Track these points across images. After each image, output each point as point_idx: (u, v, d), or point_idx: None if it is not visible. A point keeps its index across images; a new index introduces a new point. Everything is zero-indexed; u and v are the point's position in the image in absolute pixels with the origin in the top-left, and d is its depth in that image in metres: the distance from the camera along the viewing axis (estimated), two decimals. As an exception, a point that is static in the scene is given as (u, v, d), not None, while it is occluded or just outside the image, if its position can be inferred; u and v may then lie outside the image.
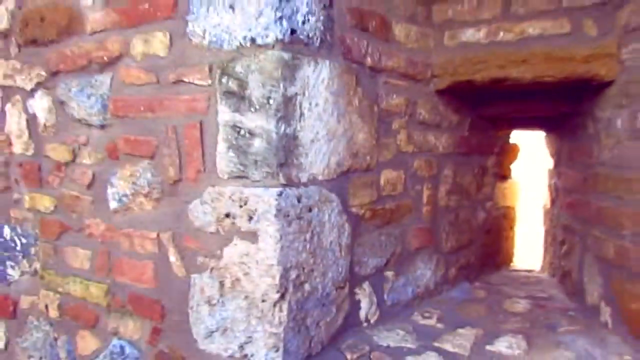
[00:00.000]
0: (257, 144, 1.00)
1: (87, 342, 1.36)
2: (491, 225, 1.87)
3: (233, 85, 1.02)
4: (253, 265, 1.03)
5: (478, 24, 1.41)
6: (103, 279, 1.30)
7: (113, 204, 1.27)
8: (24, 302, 1.50)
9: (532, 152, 2.38)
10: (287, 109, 1.00)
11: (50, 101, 1.37)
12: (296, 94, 1.01)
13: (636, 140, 1.17)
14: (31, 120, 1.43)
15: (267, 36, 0.97)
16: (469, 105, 1.61)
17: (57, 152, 1.37)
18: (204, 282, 1.11)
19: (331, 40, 1.10)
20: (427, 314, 1.41)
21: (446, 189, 1.57)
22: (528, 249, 2.29)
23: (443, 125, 1.55)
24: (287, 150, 1.01)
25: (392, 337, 1.24)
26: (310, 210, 1.07)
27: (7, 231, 1.54)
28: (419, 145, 1.45)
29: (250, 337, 1.05)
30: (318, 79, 1.06)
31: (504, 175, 1.95)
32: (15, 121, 1.46)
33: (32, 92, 1.41)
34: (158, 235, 1.18)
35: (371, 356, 1.14)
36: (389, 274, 1.37)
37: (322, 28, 1.07)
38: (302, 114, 1.03)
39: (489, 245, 1.86)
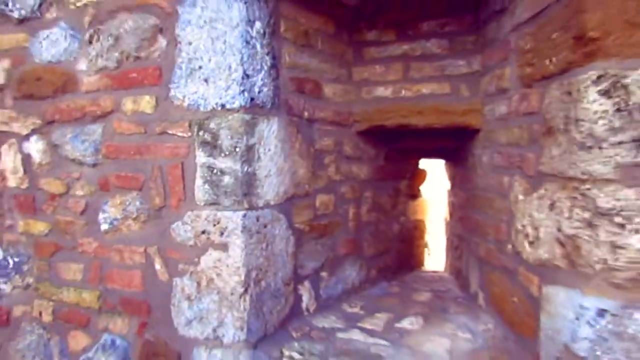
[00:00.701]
0: (227, 179, 1.38)
1: (78, 340, 1.65)
2: (404, 235, 2.34)
3: (208, 137, 1.40)
4: (224, 268, 1.40)
5: (386, 84, 1.88)
6: (95, 287, 1.61)
7: (104, 226, 1.59)
8: (17, 311, 1.76)
9: (438, 176, 2.91)
10: (249, 154, 1.39)
11: (45, 144, 1.67)
12: (255, 143, 1.41)
13: (493, 172, 1.67)
14: (26, 159, 1.71)
15: (234, 103, 1.36)
16: (383, 142, 2.08)
17: (52, 185, 1.66)
18: (184, 283, 1.46)
19: (278, 102, 1.52)
20: (353, 305, 1.83)
21: (367, 208, 2.02)
22: (439, 254, 2.80)
23: (364, 158, 2.00)
24: (248, 184, 1.40)
25: (326, 321, 1.65)
26: (265, 226, 1.46)
27: (0, 252, 1.79)
28: (345, 174, 1.89)
29: (221, 322, 1.42)
30: (270, 131, 1.47)
31: (414, 195, 2.44)
32: (10, 160, 1.73)
33: (28, 136, 1.70)
34: (145, 249, 1.51)
35: (311, 334, 1.54)
36: (324, 274, 1.79)
37: (272, 95, 1.48)
38: (259, 157, 1.43)
39: (403, 251, 2.34)
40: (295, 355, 1.40)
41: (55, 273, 1.68)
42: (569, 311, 1.11)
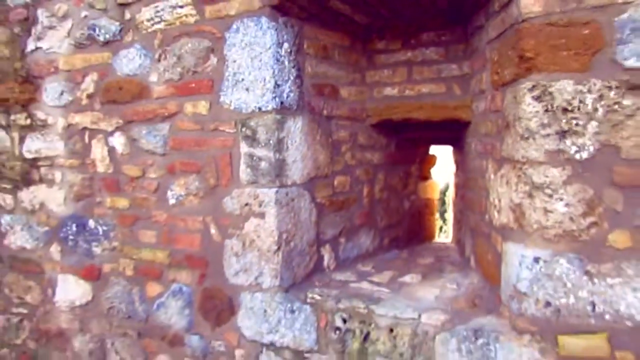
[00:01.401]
0: (263, 164, 1.83)
1: (153, 289, 2.16)
2: (415, 211, 2.74)
3: (249, 132, 1.84)
4: (262, 232, 1.86)
5: (393, 85, 2.27)
6: (166, 248, 2.10)
7: (172, 201, 2.07)
8: (106, 268, 2.29)
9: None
10: (279, 145, 1.83)
11: (125, 138, 2.16)
12: (284, 136, 1.84)
13: (478, 157, 2.04)
14: (111, 150, 2.21)
15: (268, 106, 1.80)
16: (393, 133, 2.47)
17: (131, 170, 2.16)
18: (233, 243, 1.93)
19: (302, 104, 1.94)
20: (365, 265, 2.26)
21: (379, 187, 2.43)
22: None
23: (376, 146, 2.40)
24: (279, 167, 1.84)
25: (343, 275, 2.09)
26: (293, 200, 1.90)
27: (91, 223, 2.32)
28: (359, 160, 2.30)
29: (261, 272, 1.88)
30: (296, 127, 1.90)
31: (425, 177, 2.82)
32: (99, 151, 2.24)
33: (112, 132, 2.20)
34: (203, 218, 1.99)
35: (330, 284, 1.98)
36: (342, 240, 2.22)
37: (297, 98, 1.90)
38: (287, 147, 1.87)
39: (414, 225, 2.73)
40: (317, 296, 1.85)
41: (135, 238, 2.19)
42: (516, 260, 1.50)
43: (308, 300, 1.85)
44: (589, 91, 1.33)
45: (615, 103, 1.32)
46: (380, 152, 2.43)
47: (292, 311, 1.85)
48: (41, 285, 2.51)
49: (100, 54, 2.18)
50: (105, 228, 2.28)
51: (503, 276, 1.59)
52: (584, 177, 1.36)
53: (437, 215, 3.01)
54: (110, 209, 2.25)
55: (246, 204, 1.88)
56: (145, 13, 2.03)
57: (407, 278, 2.07)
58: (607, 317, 1.37)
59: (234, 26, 1.83)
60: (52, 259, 2.45)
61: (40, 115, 2.39)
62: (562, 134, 1.37)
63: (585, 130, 1.35)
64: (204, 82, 1.93)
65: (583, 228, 1.37)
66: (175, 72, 1.98)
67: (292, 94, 1.87)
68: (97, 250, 2.30)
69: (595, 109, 1.33)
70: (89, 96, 2.23)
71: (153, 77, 2.05)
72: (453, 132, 2.36)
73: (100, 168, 2.25)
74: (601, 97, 1.33)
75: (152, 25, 2.02)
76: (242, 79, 1.83)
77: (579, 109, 1.34)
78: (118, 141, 2.18)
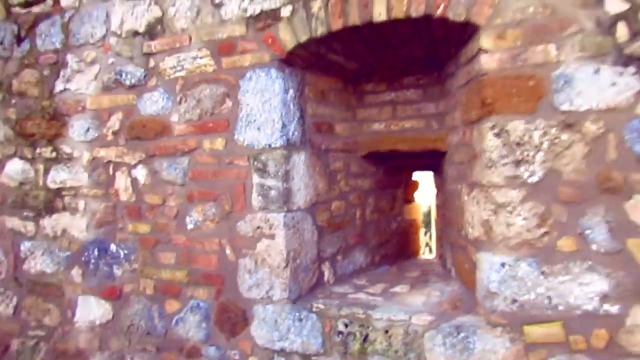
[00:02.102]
0: (273, 193, 2.14)
1: (172, 305, 2.42)
2: (402, 231, 3.07)
3: (260, 165, 2.16)
4: (272, 251, 2.16)
5: (380, 121, 2.63)
6: (184, 267, 2.37)
7: (190, 226, 2.36)
8: (127, 288, 2.54)
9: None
10: (286, 176, 2.15)
11: (147, 171, 2.46)
12: (290, 169, 2.17)
13: (455, 182, 2.38)
14: (133, 181, 2.50)
15: (276, 143, 2.13)
16: (381, 162, 2.82)
17: (152, 198, 2.45)
18: (246, 262, 2.22)
19: (304, 140, 2.27)
20: (360, 279, 2.57)
21: (370, 210, 2.76)
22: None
23: (367, 174, 2.74)
24: (286, 195, 2.15)
25: (341, 288, 2.39)
26: (298, 223, 2.22)
27: (113, 247, 2.58)
28: (352, 186, 2.63)
29: (271, 286, 2.17)
30: (299, 160, 2.23)
31: (409, 200, 3.17)
32: (122, 182, 2.53)
33: (135, 165, 2.49)
34: (219, 240, 2.28)
35: (330, 296, 2.28)
36: (339, 257, 2.52)
37: (300, 136, 2.24)
38: (292, 178, 2.19)
39: (401, 243, 3.06)
40: (321, 306, 2.14)
41: (155, 259, 2.45)
42: (487, 266, 1.83)
43: (314, 310, 2.14)
44: (536, 129, 1.70)
45: (556, 138, 1.68)
46: (370, 179, 2.77)
47: (300, 319, 2.14)
48: (60, 307, 2.74)
49: (126, 95, 2.49)
50: (126, 251, 2.54)
51: (477, 280, 1.92)
52: (536, 196, 1.71)
53: (422, 233, 3.34)
54: (132, 233, 2.52)
55: (258, 227, 2.18)
56: (169, 62, 2.36)
57: (397, 288, 2.38)
58: (560, 308, 1.70)
59: (247, 75, 2.17)
60: (73, 282, 2.69)
61: (65, 149, 2.67)
62: (517, 163, 1.72)
63: (534, 160, 1.71)
64: (220, 122, 2.25)
65: (537, 237, 1.72)
66: (195, 113, 2.31)
67: (296, 132, 2.21)
68: (118, 272, 2.56)
69: (541, 143, 1.70)
70: (115, 132, 2.53)
71: (174, 117, 2.36)
72: (433, 160, 2.72)
73: (123, 197, 2.53)
74: (545, 133, 1.69)
75: (175, 72, 2.35)
76: (254, 120, 2.16)
77: (528, 142, 1.71)
78: (141, 173, 2.48)
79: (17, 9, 2.82)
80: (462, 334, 1.84)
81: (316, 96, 2.37)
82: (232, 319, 2.27)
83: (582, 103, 1.67)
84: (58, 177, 2.71)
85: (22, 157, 2.81)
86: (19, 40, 2.81)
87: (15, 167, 2.82)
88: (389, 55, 2.35)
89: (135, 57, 2.46)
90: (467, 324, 1.87)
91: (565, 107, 1.69)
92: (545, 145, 1.70)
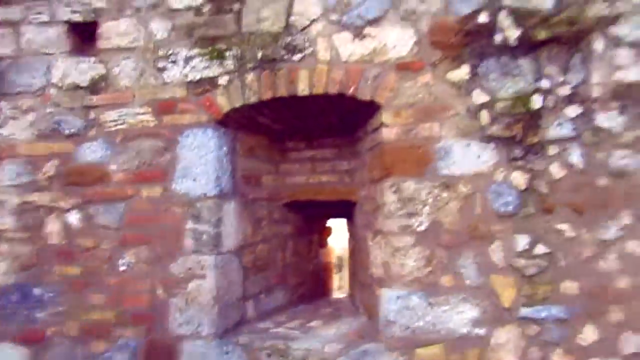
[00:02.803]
0: (205, 237, 2.40)
1: (98, 346, 2.51)
2: (317, 272, 3.41)
3: (195, 212, 2.42)
4: (203, 290, 2.38)
5: (301, 175, 3.01)
6: (114, 308, 2.50)
7: (122, 268, 2.51)
8: (49, 331, 2.58)
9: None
10: (218, 222, 2.42)
11: (81, 215, 2.59)
12: (222, 216, 2.45)
13: (363, 229, 2.80)
14: (66, 225, 2.61)
15: (210, 193, 2.41)
16: (300, 210, 3.18)
17: (85, 242, 2.57)
18: (177, 300, 2.41)
19: (235, 190, 2.58)
20: (280, 316, 2.84)
21: (290, 253, 3.08)
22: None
23: (287, 221, 3.08)
24: (217, 239, 2.42)
25: (264, 324, 2.65)
26: (226, 264, 2.47)
27: (36, 290, 2.63)
28: (274, 232, 2.95)
29: (200, 323, 2.38)
30: (230, 209, 2.52)
31: (324, 244, 3.54)
32: (54, 226, 2.62)
33: (69, 210, 2.61)
34: (151, 281, 2.46)
35: (254, 330, 2.53)
36: (262, 296, 2.79)
37: (231, 187, 2.54)
38: (224, 223, 2.47)
39: (317, 283, 3.39)
40: (245, 339, 2.38)
41: (84, 301, 2.55)
42: (386, 299, 2.21)
43: (239, 343, 2.38)
44: (423, 188, 2.17)
45: (438, 195, 2.16)
46: (291, 225, 3.11)
47: (227, 352, 2.36)
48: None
49: (64, 144, 2.62)
50: (51, 294, 2.60)
51: (379, 312, 2.29)
52: (423, 241, 2.16)
53: (335, 274, 3.71)
54: (60, 276, 2.59)
55: (190, 268, 2.41)
56: (110, 115, 2.56)
57: (313, 323, 2.69)
58: (442, 332, 2.13)
59: (186, 133, 2.46)
60: (-10, 327, 2.66)
61: (-8, 194, 2.71)
62: (409, 215, 2.17)
63: (422, 212, 2.17)
64: (158, 172, 2.48)
65: (425, 274, 2.15)
66: (134, 163, 2.52)
67: (228, 184, 2.51)
68: (40, 315, 2.59)
69: (427, 199, 2.17)
70: (49, 178, 2.63)
71: (113, 166, 2.55)
72: (345, 209, 3.13)
73: (54, 240, 2.62)
74: (430, 192, 2.17)
75: (116, 125, 2.56)
76: (191, 172, 2.44)
77: (417, 199, 2.17)
78: (75, 217, 2.60)
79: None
80: (367, 358, 2.19)
81: (245, 152, 2.71)
82: (160, 356, 2.42)
83: (457, 169, 2.17)
84: (-19, 219, 2.72)
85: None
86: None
87: None
88: (310, 121, 2.77)
89: (76, 109, 2.63)
90: (371, 349, 2.22)
91: (445, 172, 2.18)
92: (430, 201, 2.17)
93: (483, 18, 2.16)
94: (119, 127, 2.57)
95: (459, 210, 2.16)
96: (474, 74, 2.17)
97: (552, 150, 2.10)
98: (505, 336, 2.10)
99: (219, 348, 2.36)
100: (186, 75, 2.49)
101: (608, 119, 2.06)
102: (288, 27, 2.37)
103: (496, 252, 2.13)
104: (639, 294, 2.02)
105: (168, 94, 2.50)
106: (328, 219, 3.52)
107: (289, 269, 3.07)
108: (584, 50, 2.10)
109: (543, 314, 2.08)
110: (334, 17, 2.32)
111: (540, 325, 2.08)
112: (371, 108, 2.35)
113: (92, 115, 2.62)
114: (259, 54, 2.40)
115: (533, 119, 2.11)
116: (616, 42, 2.07)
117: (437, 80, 2.20)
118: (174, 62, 2.50)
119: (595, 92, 2.07)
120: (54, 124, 2.66)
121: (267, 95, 2.38)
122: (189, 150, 2.45)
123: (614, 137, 2.05)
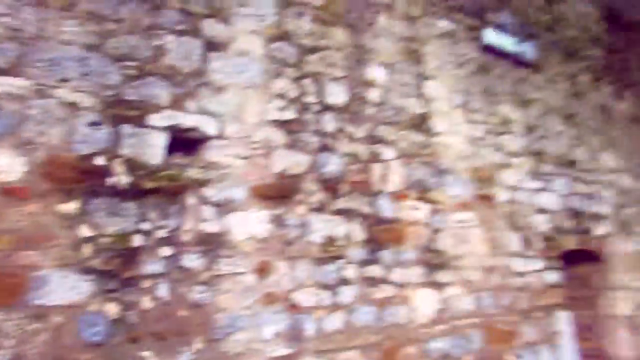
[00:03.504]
0: None
1: None
2: None
3: None
4: None
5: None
6: None
7: None
8: None
9: None
10: None
11: None
12: None
13: None
14: None
15: None
16: None
17: None
18: None
19: None
20: None
21: None
22: None
23: None
24: None
25: None
26: None
27: None
28: None
29: None
30: None
31: None
32: None
33: None
34: None
35: None
36: None
37: None
38: None
39: None
40: None
41: None
42: None
43: None
44: (11, 319, 2.13)
45: (27, 326, 2.15)
46: None
47: None
48: None
49: None
50: None
51: None
52: None
53: None
54: None
55: None
56: None
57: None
58: None
59: None
60: None
61: None
62: (-13, 349, 2.07)
63: (5, 346, 2.10)
64: None
65: None
66: None
67: None
68: None
69: (14, 331, 2.12)
70: None
71: None
72: None
73: None
74: (18, 323, 2.14)
75: None
76: None
77: (2, 331, 2.10)
78: None
79: None
80: None
81: None
82: None
83: (53, 299, 2.23)
84: None
85: None
86: None
87: None
88: None
89: None
90: None
91: (40, 302, 2.20)
92: (17, 333, 2.13)
93: (100, 161, 2.43)
94: None
95: (47, 341, 2.19)
96: (83, 209, 2.37)
97: (146, 284, 2.44)
98: None
99: None
100: None
101: (191, 260, 2.56)
102: None
103: (82, 381, 2.23)
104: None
105: None
106: None
107: None
108: (180, 203, 2.60)
109: None
110: None
111: None
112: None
113: None
114: None
115: (131, 256, 2.43)
116: (204, 200, 2.66)
117: (46, 210, 2.29)
118: None
119: (185, 237, 2.57)
120: None
121: None
122: None
123: (195, 275, 2.56)
